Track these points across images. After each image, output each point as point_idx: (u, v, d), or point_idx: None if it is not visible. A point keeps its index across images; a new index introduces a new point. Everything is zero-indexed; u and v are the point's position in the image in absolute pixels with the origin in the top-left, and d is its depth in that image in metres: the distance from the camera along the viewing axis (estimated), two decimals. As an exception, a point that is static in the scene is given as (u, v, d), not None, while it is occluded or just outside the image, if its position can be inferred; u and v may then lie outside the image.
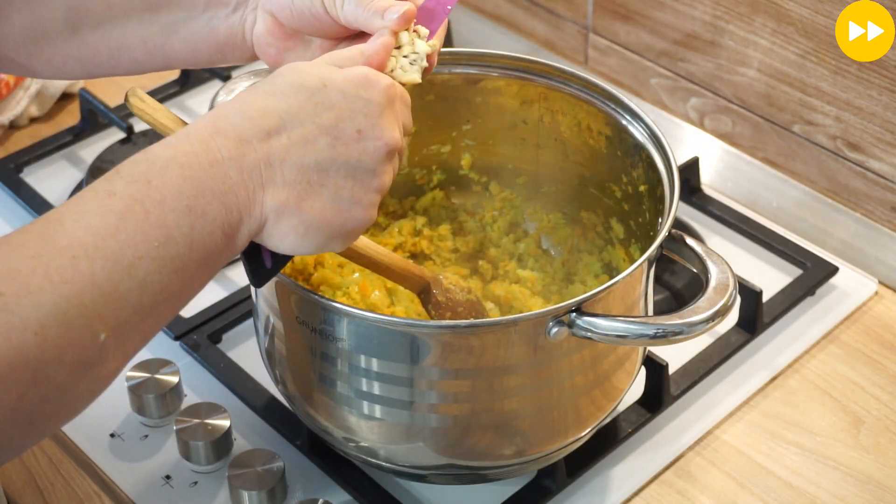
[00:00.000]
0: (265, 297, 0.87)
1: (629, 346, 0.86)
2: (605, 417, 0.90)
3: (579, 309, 0.79)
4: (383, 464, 0.89)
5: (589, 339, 0.79)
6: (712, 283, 0.82)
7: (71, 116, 1.34)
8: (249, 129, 0.71)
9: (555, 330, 0.79)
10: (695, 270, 0.84)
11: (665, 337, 0.79)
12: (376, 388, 0.83)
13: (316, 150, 0.72)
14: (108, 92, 1.34)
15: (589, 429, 0.90)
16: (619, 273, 0.97)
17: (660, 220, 0.89)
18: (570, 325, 0.79)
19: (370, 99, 0.73)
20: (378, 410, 0.84)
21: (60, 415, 0.68)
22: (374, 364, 0.81)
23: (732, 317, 1.05)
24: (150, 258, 0.67)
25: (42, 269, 0.64)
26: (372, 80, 0.74)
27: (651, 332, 0.79)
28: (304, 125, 0.72)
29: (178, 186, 0.69)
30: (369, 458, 0.89)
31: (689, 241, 0.85)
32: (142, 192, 0.68)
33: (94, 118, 1.30)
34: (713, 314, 0.79)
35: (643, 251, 0.96)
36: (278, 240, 0.72)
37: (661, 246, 0.84)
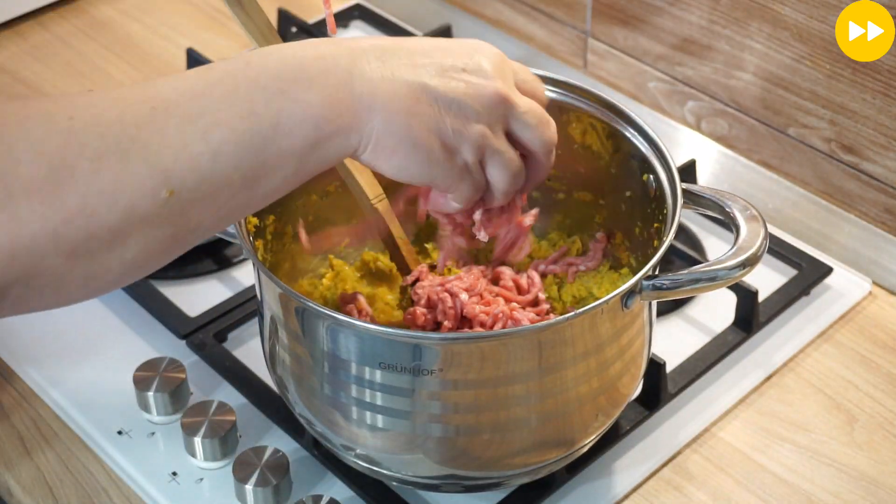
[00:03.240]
0: (269, 304, 0.88)
1: (683, 296, 0.87)
2: (610, 423, 0.91)
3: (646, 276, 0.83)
4: (385, 472, 0.89)
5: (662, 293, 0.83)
6: (741, 218, 0.85)
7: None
8: (363, 45, 0.72)
9: (630, 301, 0.82)
10: (720, 217, 0.88)
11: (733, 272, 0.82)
12: (378, 399, 0.83)
13: (424, 73, 0.73)
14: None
15: (594, 436, 0.91)
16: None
17: (657, 224, 0.91)
18: (640, 291, 0.82)
19: (478, 52, 0.76)
20: (379, 421, 0.84)
21: (100, 259, 0.65)
22: (377, 375, 0.82)
23: (729, 316, 1.06)
24: (230, 128, 0.66)
25: (118, 111, 0.64)
26: (482, 47, 0.77)
27: (719, 273, 0.82)
28: (413, 54, 0.73)
29: (277, 69, 0.69)
30: (368, 466, 0.90)
31: (698, 189, 0.89)
32: (238, 68, 0.68)
33: None
34: (762, 243, 0.83)
35: (642, 256, 0.97)
36: (388, 154, 0.72)
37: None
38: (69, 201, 0.63)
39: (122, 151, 0.64)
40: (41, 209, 0.62)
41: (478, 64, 0.76)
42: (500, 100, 0.76)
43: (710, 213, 0.89)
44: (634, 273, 0.95)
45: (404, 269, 0.98)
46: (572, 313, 0.80)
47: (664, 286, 0.83)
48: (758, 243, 0.83)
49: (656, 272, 0.84)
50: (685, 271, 0.83)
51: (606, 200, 1.00)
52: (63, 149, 0.63)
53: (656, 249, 0.84)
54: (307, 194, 0.99)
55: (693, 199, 0.88)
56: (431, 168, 0.76)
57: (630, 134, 0.93)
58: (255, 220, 0.91)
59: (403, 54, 0.74)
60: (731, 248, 0.83)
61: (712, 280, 0.82)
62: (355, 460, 0.90)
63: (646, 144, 0.92)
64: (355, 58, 0.72)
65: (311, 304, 0.80)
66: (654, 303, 0.90)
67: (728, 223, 0.86)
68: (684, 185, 0.88)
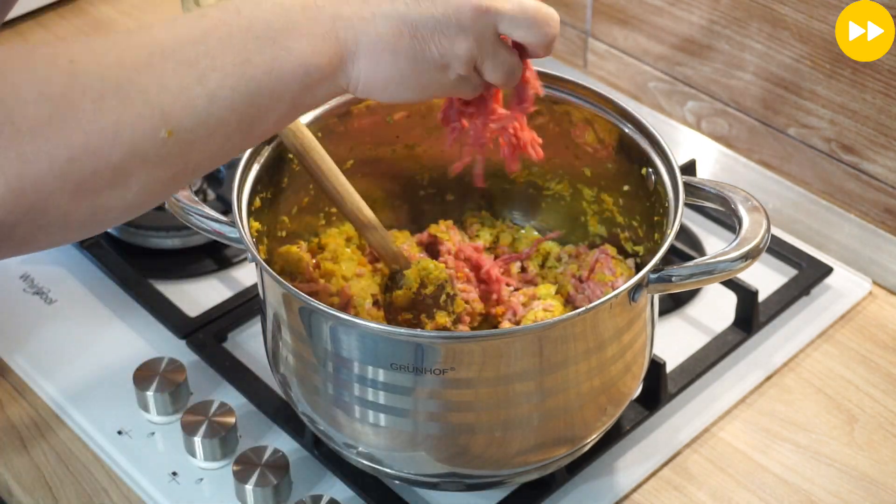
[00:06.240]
0: (272, 303, 0.88)
1: (690, 287, 0.86)
2: (611, 422, 0.91)
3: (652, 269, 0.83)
4: (386, 470, 0.90)
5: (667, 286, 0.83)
6: (743, 209, 0.85)
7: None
8: None
9: (637, 294, 0.83)
10: (721, 208, 0.87)
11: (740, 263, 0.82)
12: (381, 398, 0.83)
13: (401, 4, 0.75)
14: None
15: (595, 435, 0.91)
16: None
17: (657, 217, 0.91)
18: (647, 284, 0.82)
19: None
20: (381, 419, 0.84)
21: (104, 196, 0.68)
22: (380, 374, 0.82)
23: (729, 316, 1.06)
24: (225, 73, 0.70)
25: (116, 54, 0.68)
26: None
27: (719, 265, 0.82)
28: None
29: (268, 18, 0.72)
30: (370, 464, 0.90)
31: (698, 181, 0.88)
32: (231, 17, 0.72)
33: None
34: (764, 233, 0.83)
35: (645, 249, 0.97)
36: (380, 89, 0.76)
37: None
38: (74, 140, 0.66)
39: (122, 93, 0.67)
40: (47, 147, 0.65)
41: None
42: (481, 11, 0.78)
43: (711, 204, 0.88)
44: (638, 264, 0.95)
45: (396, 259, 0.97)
46: (580, 310, 0.80)
47: (670, 278, 0.83)
48: (760, 234, 0.83)
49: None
50: (690, 263, 0.83)
51: (604, 195, 1.00)
52: (66, 90, 0.66)
53: (657, 243, 0.83)
54: (304, 194, 0.99)
55: (694, 191, 0.88)
56: (424, 90, 0.79)
57: (628, 129, 0.93)
58: (257, 226, 0.91)
59: None
60: (735, 240, 0.83)
61: (714, 272, 0.83)
62: (357, 458, 0.90)
63: (644, 139, 0.92)
64: (338, 3, 0.75)
65: (314, 304, 0.81)
66: (657, 303, 0.90)
67: (729, 215, 0.86)
68: (685, 178, 0.88)
